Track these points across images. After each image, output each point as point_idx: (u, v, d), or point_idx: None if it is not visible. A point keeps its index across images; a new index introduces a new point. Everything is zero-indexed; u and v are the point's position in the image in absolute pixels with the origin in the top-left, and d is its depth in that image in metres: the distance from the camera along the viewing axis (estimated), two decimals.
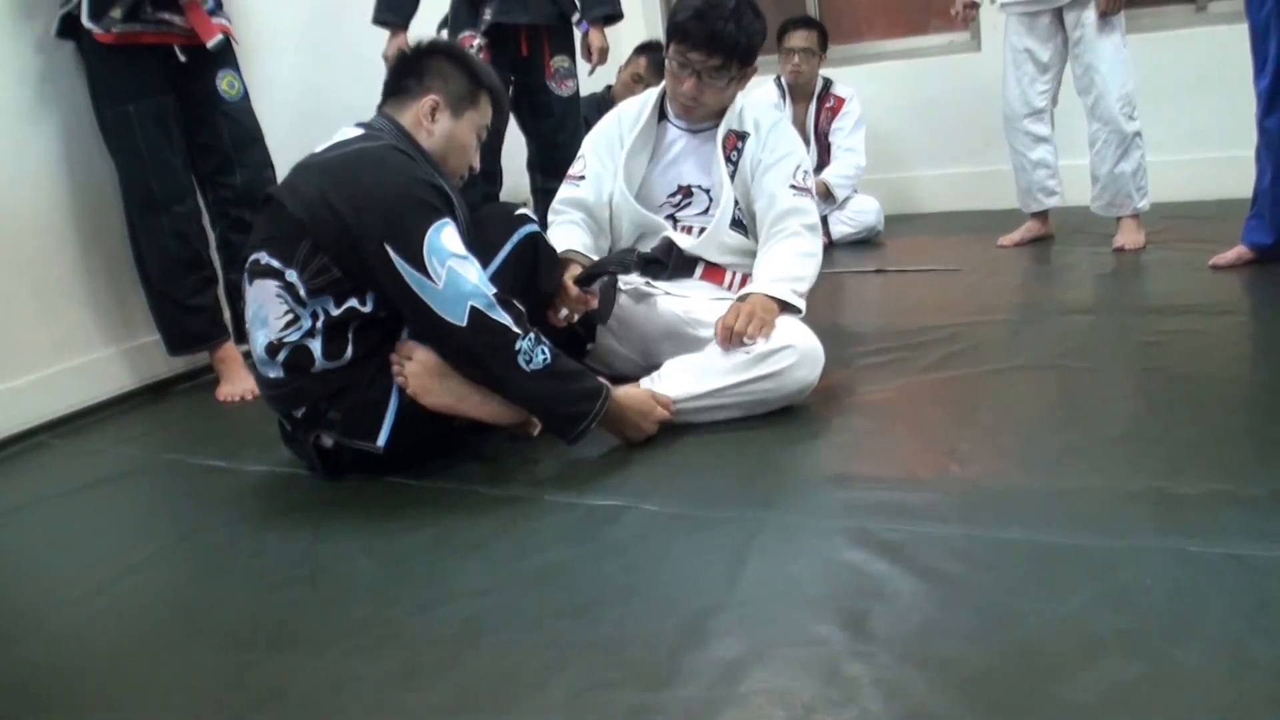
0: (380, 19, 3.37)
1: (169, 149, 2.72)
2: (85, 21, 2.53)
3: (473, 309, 1.80)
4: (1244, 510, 1.49)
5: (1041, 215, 3.82)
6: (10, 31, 2.63)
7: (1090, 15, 3.40)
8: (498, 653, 1.33)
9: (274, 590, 1.59)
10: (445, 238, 1.83)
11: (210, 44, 2.70)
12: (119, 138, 2.67)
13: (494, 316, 1.82)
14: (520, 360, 1.82)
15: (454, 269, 1.81)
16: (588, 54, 3.48)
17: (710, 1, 2.23)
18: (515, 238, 2.06)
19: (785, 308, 2.19)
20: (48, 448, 2.54)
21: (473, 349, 1.84)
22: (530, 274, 2.10)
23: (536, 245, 2.10)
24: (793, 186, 2.34)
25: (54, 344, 2.69)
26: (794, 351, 2.08)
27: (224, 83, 2.82)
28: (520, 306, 1.89)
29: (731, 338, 2.07)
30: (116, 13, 2.54)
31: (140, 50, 2.63)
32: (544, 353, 1.85)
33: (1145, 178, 3.51)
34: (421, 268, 1.80)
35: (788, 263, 2.27)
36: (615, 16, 3.50)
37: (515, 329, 1.83)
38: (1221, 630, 1.19)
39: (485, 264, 1.99)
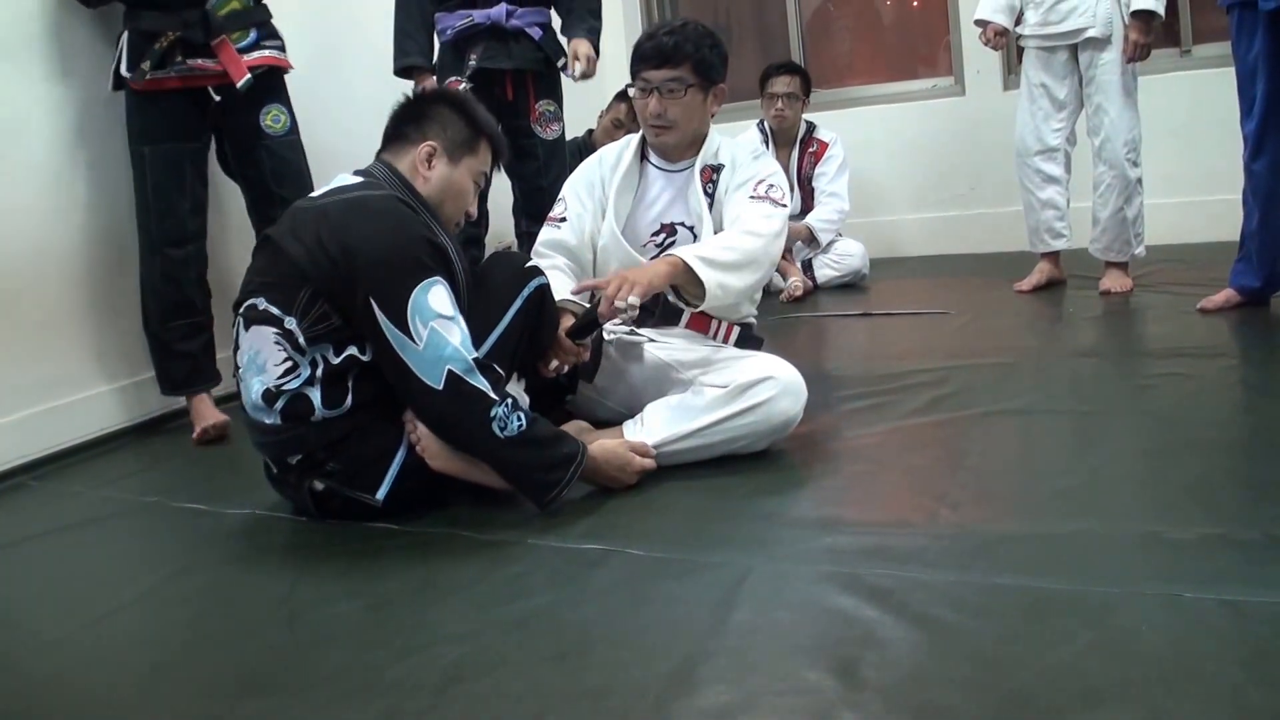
0: (403, 65, 3.34)
1: (177, 193, 2.76)
2: (123, 72, 2.67)
3: (449, 373, 1.79)
4: (1238, 555, 1.47)
5: (1052, 256, 3.78)
6: (46, 78, 2.75)
7: (1104, 56, 3.40)
8: (480, 701, 1.29)
9: (253, 635, 1.56)
10: (432, 297, 1.81)
11: (239, 85, 2.73)
12: (135, 178, 2.77)
13: (471, 382, 1.80)
14: (495, 427, 1.80)
15: (436, 330, 1.79)
16: (574, 60, 3.30)
17: (659, 24, 2.36)
18: (526, 291, 2.04)
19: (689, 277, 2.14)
20: (27, 489, 2.50)
21: (447, 413, 1.83)
22: (535, 326, 2.08)
23: (544, 298, 2.09)
24: (751, 196, 2.31)
25: (39, 382, 2.66)
26: (775, 383, 2.06)
27: (268, 117, 2.87)
28: (500, 370, 1.87)
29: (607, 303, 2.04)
30: (146, 64, 2.64)
31: (171, 94, 2.70)
32: (519, 419, 1.83)
33: (1143, 224, 3.52)
34: (404, 326, 1.79)
35: (707, 243, 2.25)
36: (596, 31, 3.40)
37: (491, 395, 1.81)
38: (1218, 679, 1.17)
39: (492, 318, 1.98)
